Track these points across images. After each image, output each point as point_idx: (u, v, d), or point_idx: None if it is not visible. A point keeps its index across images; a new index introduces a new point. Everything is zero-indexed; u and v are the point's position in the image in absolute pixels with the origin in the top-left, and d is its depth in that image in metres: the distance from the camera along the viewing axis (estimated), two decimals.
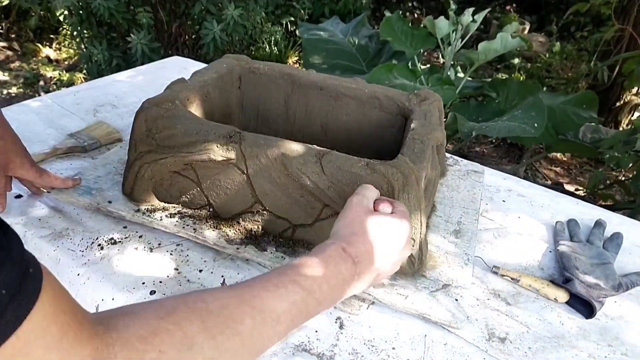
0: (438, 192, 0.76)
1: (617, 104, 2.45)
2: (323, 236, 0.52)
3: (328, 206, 0.58)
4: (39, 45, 3.09)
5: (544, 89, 2.59)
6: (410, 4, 4.56)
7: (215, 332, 0.32)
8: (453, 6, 1.75)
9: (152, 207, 0.64)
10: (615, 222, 0.77)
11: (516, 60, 3.34)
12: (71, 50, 3.10)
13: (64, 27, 3.00)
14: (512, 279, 0.62)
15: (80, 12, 2.23)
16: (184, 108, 0.64)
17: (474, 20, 1.66)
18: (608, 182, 2.02)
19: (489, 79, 2.26)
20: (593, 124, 1.79)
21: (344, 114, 0.79)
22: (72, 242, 0.60)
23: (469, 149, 2.46)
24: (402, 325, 0.54)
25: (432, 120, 0.69)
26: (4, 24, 3.07)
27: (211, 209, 0.64)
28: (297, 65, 3.15)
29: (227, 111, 0.82)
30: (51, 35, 3.19)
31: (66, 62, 3.05)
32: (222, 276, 0.57)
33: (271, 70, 0.81)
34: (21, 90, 2.67)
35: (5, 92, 2.62)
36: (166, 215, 0.63)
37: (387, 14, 1.94)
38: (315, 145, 0.59)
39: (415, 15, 4.39)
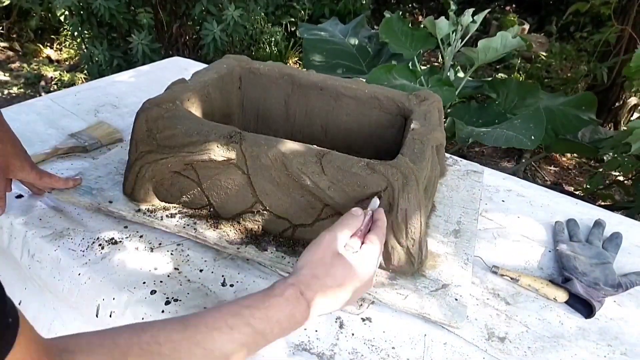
0: (438, 192, 0.76)
1: (617, 104, 2.45)
2: None
3: (328, 206, 0.58)
4: (40, 45, 3.09)
5: (544, 89, 2.59)
6: (410, 5, 4.56)
7: None
8: (453, 7, 1.75)
9: (153, 207, 0.64)
10: (615, 222, 0.78)
11: (516, 61, 3.34)
12: (72, 51, 3.11)
13: (65, 27, 3.00)
14: (511, 278, 0.63)
15: (81, 12, 2.24)
16: (184, 108, 0.65)
17: (473, 21, 1.66)
18: (607, 182, 2.03)
19: (489, 79, 2.26)
20: (592, 126, 1.80)
21: (344, 114, 0.79)
22: (73, 242, 0.60)
23: (469, 149, 2.46)
24: (402, 324, 0.54)
25: (432, 120, 0.69)
26: (4, 24, 3.08)
27: (212, 209, 0.64)
28: (297, 65, 3.16)
29: (228, 111, 0.82)
30: (52, 36, 3.20)
31: (67, 63, 3.06)
32: (223, 276, 0.58)
33: (271, 70, 0.81)
34: (22, 90, 2.67)
35: (6, 92, 2.62)
36: (167, 215, 0.63)
37: (387, 14, 1.94)
38: (315, 146, 0.60)
39: (415, 15, 4.40)
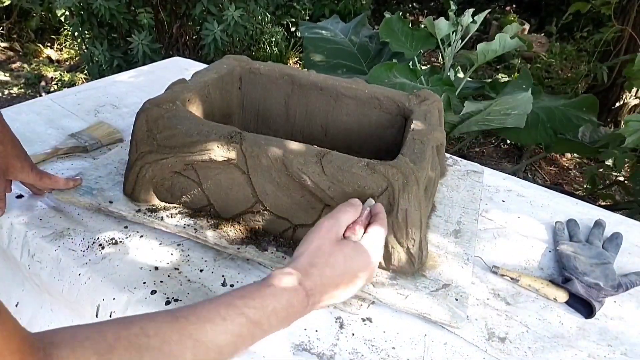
0: (438, 192, 0.76)
1: (617, 104, 2.45)
2: None
3: (329, 206, 0.58)
4: (40, 45, 3.09)
5: (544, 89, 2.59)
6: (410, 5, 4.56)
7: None
8: (453, 7, 1.75)
9: (153, 207, 0.64)
10: (615, 222, 0.78)
11: (516, 61, 3.34)
12: (72, 51, 3.11)
13: (65, 27, 3.01)
14: (511, 278, 0.63)
15: (81, 12, 2.24)
16: (184, 108, 0.65)
17: (473, 21, 1.66)
18: (607, 182, 2.03)
19: (489, 80, 2.27)
20: (591, 125, 1.80)
21: (344, 114, 0.79)
22: (73, 242, 0.60)
23: (469, 149, 2.46)
24: (402, 324, 0.55)
25: (432, 120, 0.69)
26: (5, 25, 3.08)
27: (212, 209, 0.64)
28: (298, 65, 3.16)
29: (228, 111, 0.82)
30: (52, 36, 3.20)
31: (67, 63, 3.06)
32: (223, 276, 0.58)
33: (271, 70, 0.81)
34: (22, 90, 2.67)
35: (6, 92, 2.63)
36: (167, 215, 0.63)
37: (387, 14, 1.94)
38: (315, 146, 0.60)
39: (415, 15, 4.40)
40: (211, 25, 2.23)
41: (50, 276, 0.59)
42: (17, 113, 0.91)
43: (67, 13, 2.42)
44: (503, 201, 0.81)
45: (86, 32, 2.37)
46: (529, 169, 2.32)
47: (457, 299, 0.56)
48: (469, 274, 0.60)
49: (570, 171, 2.39)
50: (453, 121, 1.51)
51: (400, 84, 1.52)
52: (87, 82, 1.35)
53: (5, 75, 2.77)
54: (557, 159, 2.45)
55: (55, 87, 2.71)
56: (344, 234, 0.47)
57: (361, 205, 0.50)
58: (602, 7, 2.22)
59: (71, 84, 2.71)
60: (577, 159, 2.45)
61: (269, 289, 0.40)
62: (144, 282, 0.55)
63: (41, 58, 3.02)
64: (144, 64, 1.49)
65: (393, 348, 0.51)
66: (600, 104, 1.94)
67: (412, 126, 0.67)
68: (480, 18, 1.68)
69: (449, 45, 1.75)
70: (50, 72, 2.84)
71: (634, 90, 2.32)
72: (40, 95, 2.43)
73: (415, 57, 1.79)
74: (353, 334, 0.53)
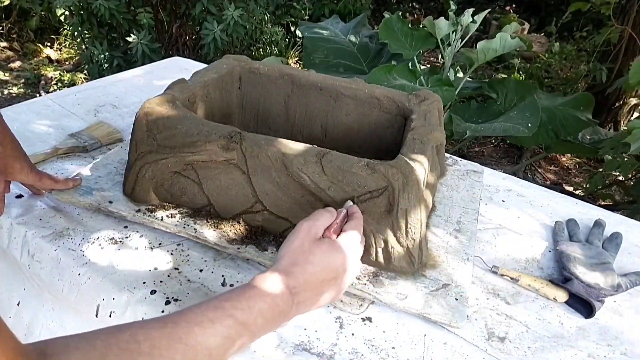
0: (437, 192, 0.76)
1: (617, 104, 2.45)
2: None
3: (329, 206, 0.58)
4: (40, 45, 3.09)
5: (543, 89, 2.59)
6: (409, 5, 4.56)
7: None
8: (453, 7, 1.75)
9: (153, 207, 0.64)
10: (615, 222, 0.78)
11: (516, 61, 3.34)
12: (72, 51, 3.11)
13: (65, 27, 3.01)
14: (511, 278, 0.63)
15: (81, 12, 2.24)
16: (184, 108, 0.65)
17: (473, 21, 1.66)
18: (607, 182, 2.03)
19: (488, 80, 2.27)
20: (591, 127, 1.81)
21: (343, 114, 0.79)
22: (73, 241, 0.60)
23: (469, 149, 2.46)
24: (402, 324, 0.55)
25: (431, 120, 0.69)
26: (4, 24, 3.08)
27: (212, 209, 0.64)
28: (298, 65, 3.16)
29: (228, 111, 0.82)
30: (52, 36, 3.20)
31: (67, 63, 3.06)
32: (223, 276, 0.58)
33: (271, 70, 0.81)
34: (22, 90, 2.67)
35: (6, 92, 2.62)
36: (167, 215, 0.63)
37: (387, 14, 1.94)
38: (315, 146, 0.60)
39: (415, 15, 4.40)
40: (211, 25, 2.23)
41: (50, 276, 0.59)
42: (17, 113, 0.91)
43: (66, 13, 2.42)
44: (503, 201, 0.81)
45: (86, 31, 2.37)
46: (529, 169, 2.32)
47: (457, 299, 0.56)
48: (469, 273, 0.60)
49: (570, 171, 2.39)
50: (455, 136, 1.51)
51: (399, 85, 1.52)
52: (87, 82, 1.35)
53: (4, 75, 2.76)
54: (557, 158, 2.45)
55: (55, 87, 2.71)
56: (322, 235, 0.49)
57: (335, 212, 0.52)
58: (601, 7, 2.22)
59: (71, 83, 2.71)
60: (577, 159, 2.45)
61: (254, 290, 0.41)
62: (144, 282, 0.55)
63: (41, 58, 3.02)
64: (143, 64, 1.49)
65: (393, 348, 0.51)
66: (599, 104, 1.95)
67: (412, 126, 0.67)
68: (480, 18, 1.68)
69: (449, 45, 1.75)
70: (50, 72, 2.84)
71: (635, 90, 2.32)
72: (40, 95, 2.43)
73: (415, 57, 1.79)
74: (353, 334, 0.53)
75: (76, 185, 0.66)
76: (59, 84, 2.72)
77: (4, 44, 3.07)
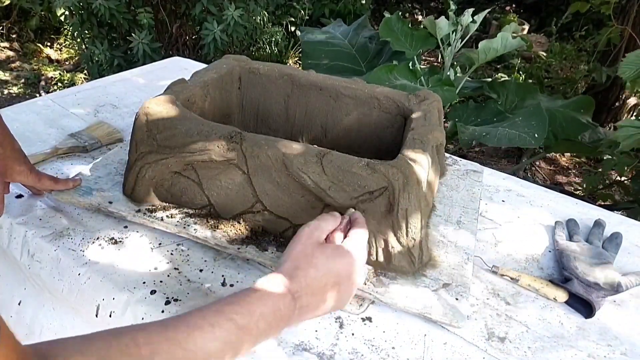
0: (437, 192, 0.76)
1: (617, 104, 2.45)
2: None
3: (329, 206, 0.58)
4: (40, 45, 3.09)
5: (543, 89, 2.59)
6: (409, 5, 4.56)
7: None
8: (453, 7, 1.75)
9: (153, 207, 0.64)
10: (615, 221, 0.78)
11: (516, 61, 3.34)
12: (72, 51, 3.11)
13: (65, 27, 3.01)
14: (511, 278, 0.63)
15: (81, 12, 2.24)
16: (184, 108, 0.65)
17: (473, 21, 1.66)
18: (607, 182, 2.03)
19: (489, 80, 2.27)
20: (591, 130, 1.81)
21: (344, 114, 0.79)
22: (73, 241, 0.60)
23: (468, 149, 2.46)
24: (402, 324, 0.55)
25: (432, 120, 0.69)
26: (4, 24, 3.08)
27: (212, 209, 0.64)
28: (297, 66, 3.16)
29: (227, 111, 0.82)
30: (52, 36, 3.20)
31: (67, 63, 3.06)
32: (223, 276, 0.58)
33: (271, 70, 0.81)
34: (22, 90, 2.67)
35: (6, 92, 2.62)
36: (167, 215, 0.63)
37: (387, 15, 1.94)
38: (315, 146, 0.60)
39: (415, 15, 4.40)
40: (211, 25, 2.23)
41: (50, 276, 0.59)
42: (17, 113, 0.91)
43: (67, 13, 2.42)
44: (503, 201, 0.81)
45: (86, 31, 2.37)
46: (529, 169, 2.32)
47: (457, 299, 0.56)
48: (469, 273, 0.60)
49: (570, 171, 2.39)
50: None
51: (400, 85, 1.52)
52: (87, 81, 1.35)
53: (4, 75, 2.76)
54: (557, 158, 2.45)
55: (55, 87, 2.71)
56: (325, 240, 0.48)
57: (339, 217, 0.52)
58: (601, 7, 2.22)
59: (71, 83, 2.71)
60: (577, 159, 2.45)
61: (256, 294, 0.41)
62: (144, 282, 0.55)
63: (41, 58, 3.02)
64: (144, 64, 1.49)
65: (393, 348, 0.51)
66: (599, 103, 1.95)
67: (412, 126, 0.67)
68: (480, 18, 1.68)
69: (449, 45, 1.75)
70: (50, 72, 2.84)
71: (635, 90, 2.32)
72: (40, 95, 2.43)
73: (415, 57, 1.79)
74: (353, 334, 0.53)
75: (76, 185, 0.66)
76: (59, 84, 2.72)
77: (4, 44, 3.07)
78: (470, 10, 1.66)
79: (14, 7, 2.96)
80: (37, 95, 2.58)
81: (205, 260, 0.60)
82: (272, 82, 0.82)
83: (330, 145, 0.72)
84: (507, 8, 4.45)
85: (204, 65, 1.00)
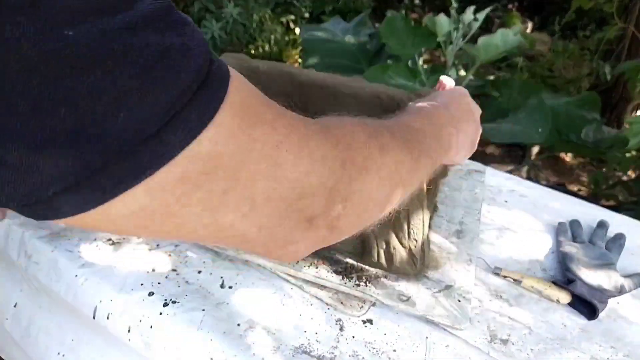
0: (439, 192, 0.75)
1: (620, 103, 2.44)
2: None
3: None
4: None
5: (547, 88, 2.58)
6: (411, 3, 4.55)
7: (412, 150, 0.39)
8: (454, 4, 1.74)
9: None
10: (618, 222, 0.77)
11: (519, 60, 3.33)
12: None
13: None
14: (514, 280, 0.62)
15: None
16: None
17: (475, 19, 1.65)
18: (611, 182, 2.02)
19: (492, 78, 2.26)
20: (595, 125, 1.79)
21: (344, 113, 0.78)
22: (70, 242, 0.60)
23: None
24: (403, 326, 0.54)
25: None
26: None
27: None
28: (297, 64, 3.15)
29: None
30: None
31: None
32: (222, 277, 0.57)
33: (271, 68, 0.80)
34: None
35: None
36: None
37: (389, 13, 1.93)
38: None
39: (418, 14, 4.38)
40: (209, 23, 2.23)
41: (47, 277, 0.58)
42: None
43: None
44: (505, 201, 0.80)
45: None
46: (532, 169, 2.31)
47: (459, 301, 0.55)
48: (472, 275, 0.60)
49: (574, 171, 2.38)
50: None
51: (398, 85, 1.51)
52: None
53: None
54: (560, 158, 2.44)
55: None
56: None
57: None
58: (604, 5, 2.20)
59: None
60: (581, 159, 2.44)
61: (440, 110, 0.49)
62: (142, 284, 0.55)
63: None
64: None
65: (394, 350, 0.51)
66: (603, 102, 1.94)
67: None
68: (482, 15, 1.67)
69: (451, 43, 1.74)
70: None
71: (637, 90, 2.31)
72: None
73: (416, 56, 1.78)
74: (353, 337, 0.52)
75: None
76: None
77: None
78: (472, 7, 1.65)
79: None
80: None
81: (203, 262, 0.59)
82: (272, 80, 0.81)
83: None
84: (510, 6, 4.43)
85: None
